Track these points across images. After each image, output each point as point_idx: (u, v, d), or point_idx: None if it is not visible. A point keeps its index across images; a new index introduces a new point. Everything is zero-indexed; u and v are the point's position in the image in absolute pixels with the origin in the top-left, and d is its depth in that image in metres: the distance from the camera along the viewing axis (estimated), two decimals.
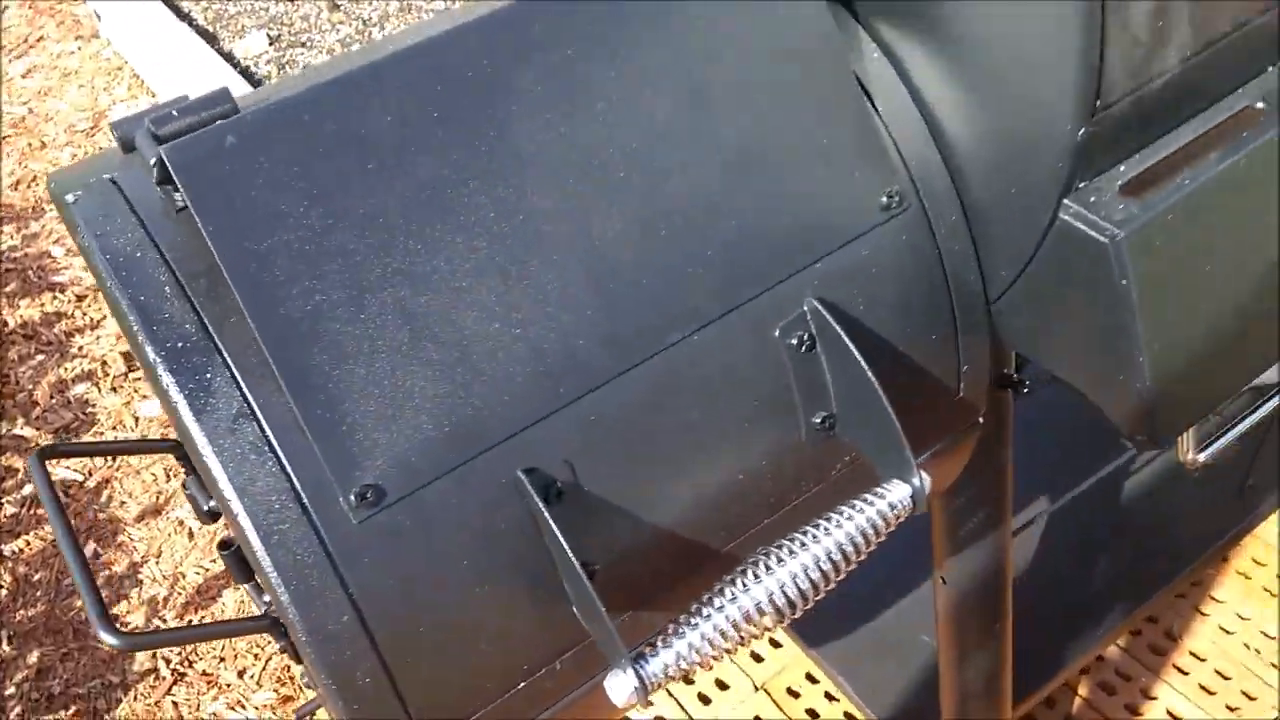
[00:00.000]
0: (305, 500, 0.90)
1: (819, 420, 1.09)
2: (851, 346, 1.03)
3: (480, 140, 0.96)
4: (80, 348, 3.52)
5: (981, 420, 1.28)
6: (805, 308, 1.05)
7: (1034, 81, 1.00)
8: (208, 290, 0.93)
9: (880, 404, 1.02)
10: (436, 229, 0.94)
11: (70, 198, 0.99)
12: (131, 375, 3.41)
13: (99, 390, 3.37)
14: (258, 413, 0.90)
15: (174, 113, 0.99)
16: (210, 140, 0.89)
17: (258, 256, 0.88)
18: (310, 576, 0.90)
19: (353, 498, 0.90)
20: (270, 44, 4.43)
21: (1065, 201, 1.02)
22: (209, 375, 0.91)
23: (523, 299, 0.96)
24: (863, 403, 1.05)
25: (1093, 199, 1.02)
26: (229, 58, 4.36)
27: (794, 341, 1.06)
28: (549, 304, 0.97)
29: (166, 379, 0.90)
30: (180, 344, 0.91)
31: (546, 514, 0.93)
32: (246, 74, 4.25)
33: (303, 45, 4.41)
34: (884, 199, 1.09)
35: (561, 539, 0.92)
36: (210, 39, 4.52)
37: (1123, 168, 1.05)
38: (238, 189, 0.88)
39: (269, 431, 0.90)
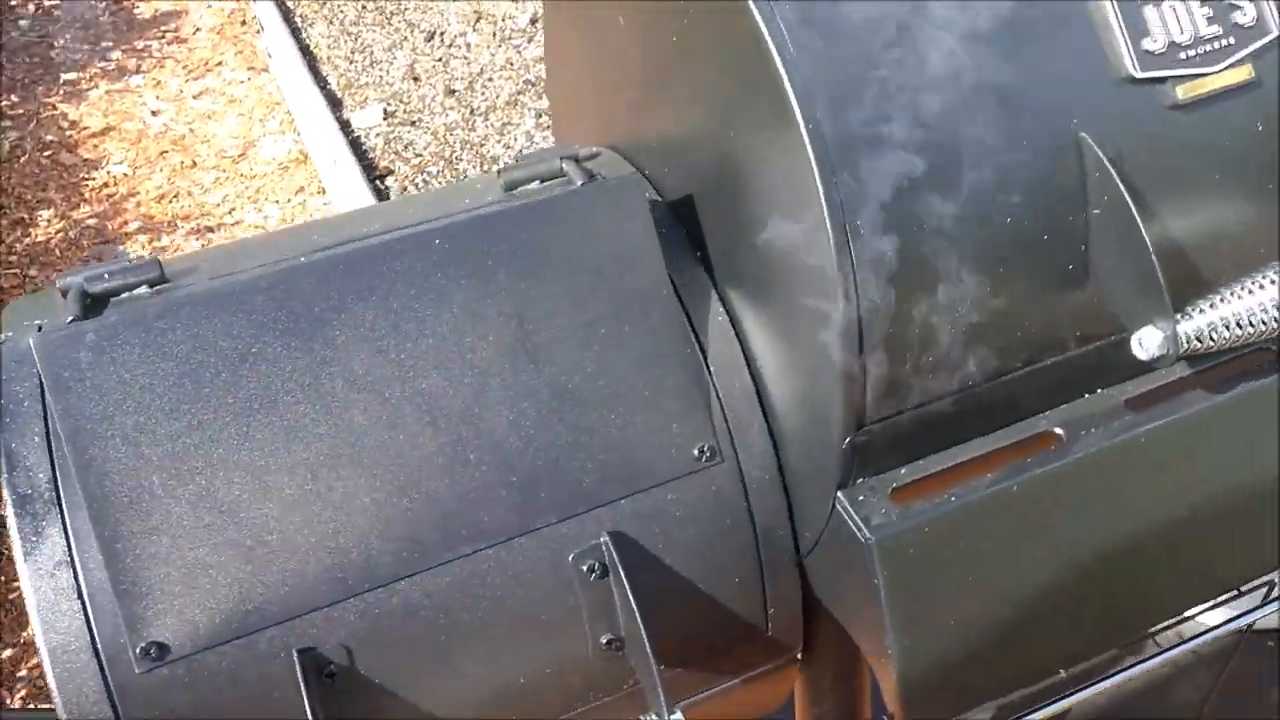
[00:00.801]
0: (99, 646, 1.05)
1: (605, 641, 1.18)
2: (627, 584, 1.12)
3: (315, 360, 1.10)
4: None
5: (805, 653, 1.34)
6: (600, 540, 1.15)
7: (815, 383, 1.08)
8: None
9: (642, 642, 1.11)
10: (261, 430, 1.08)
11: (2, 336, 1.18)
12: None
13: None
14: (76, 564, 1.06)
15: (106, 274, 1.17)
16: (74, 334, 1.05)
17: (94, 435, 1.04)
18: (91, 711, 1.04)
19: (139, 650, 1.04)
20: (384, 118, 4.74)
21: (839, 494, 1.09)
22: (45, 523, 1.07)
23: (328, 497, 1.09)
24: (634, 637, 1.14)
25: (862, 497, 1.10)
26: (345, 125, 4.68)
27: (585, 568, 1.15)
28: (351, 505, 1.10)
29: (11, 520, 1.07)
30: (30, 491, 1.07)
31: (304, 692, 1.05)
32: (356, 144, 4.56)
33: (413, 124, 4.70)
34: (696, 451, 1.18)
35: (309, 715, 1.04)
36: (336, 104, 4.86)
37: (904, 470, 1.11)
38: (89, 378, 1.05)
39: (81, 581, 1.05)
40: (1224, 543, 1.27)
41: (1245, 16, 1.28)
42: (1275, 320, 1.16)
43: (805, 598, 1.27)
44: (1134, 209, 1.10)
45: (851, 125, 1.04)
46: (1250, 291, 1.17)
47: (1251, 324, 1.15)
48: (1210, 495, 1.19)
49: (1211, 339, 1.10)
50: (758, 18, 1.05)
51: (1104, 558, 1.17)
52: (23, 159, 4.87)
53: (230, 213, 4.51)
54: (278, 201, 4.53)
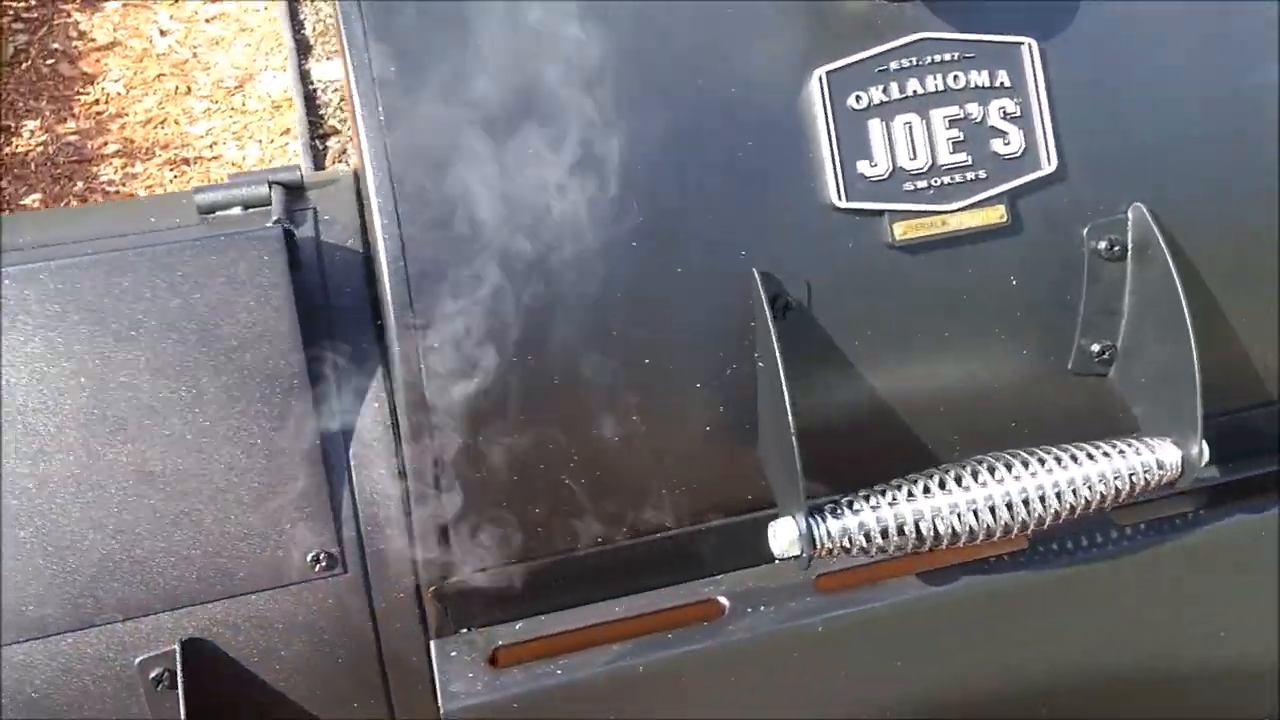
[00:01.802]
0: None
1: None
2: (183, 701, 0.97)
3: None
4: None
5: None
6: (172, 647, 0.99)
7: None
8: None
9: None
10: None
11: None
12: None
13: None
14: None
15: None
16: None
17: None
18: None
19: None
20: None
21: (432, 645, 0.92)
22: None
23: None
24: None
25: (455, 653, 0.92)
26: (305, 75, 4.52)
27: (153, 676, 1.00)
28: None
29: None
30: None
31: None
32: (311, 97, 4.41)
33: None
34: (310, 558, 1.02)
35: None
36: (305, 50, 4.69)
37: (519, 626, 0.94)
38: None
39: None
40: None
41: (1007, 145, 1.06)
42: (946, 529, 0.94)
43: None
44: (784, 377, 0.91)
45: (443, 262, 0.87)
46: (927, 492, 0.96)
47: (913, 533, 0.94)
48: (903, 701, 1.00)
49: (863, 543, 0.90)
50: None
51: None
52: (25, 65, 4.80)
53: (211, 147, 4.40)
54: (260, 141, 4.41)
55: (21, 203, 4.06)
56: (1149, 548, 1.15)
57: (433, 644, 0.94)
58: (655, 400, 0.98)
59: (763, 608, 0.97)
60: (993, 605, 1.08)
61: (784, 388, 0.90)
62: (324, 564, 1.03)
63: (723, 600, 0.97)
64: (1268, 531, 1.18)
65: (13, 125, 4.61)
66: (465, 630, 0.94)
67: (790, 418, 0.89)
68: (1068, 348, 1.14)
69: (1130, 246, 1.13)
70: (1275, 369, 1.19)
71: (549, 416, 0.95)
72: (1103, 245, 1.12)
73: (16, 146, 4.49)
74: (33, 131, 4.58)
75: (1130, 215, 1.13)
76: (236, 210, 1.16)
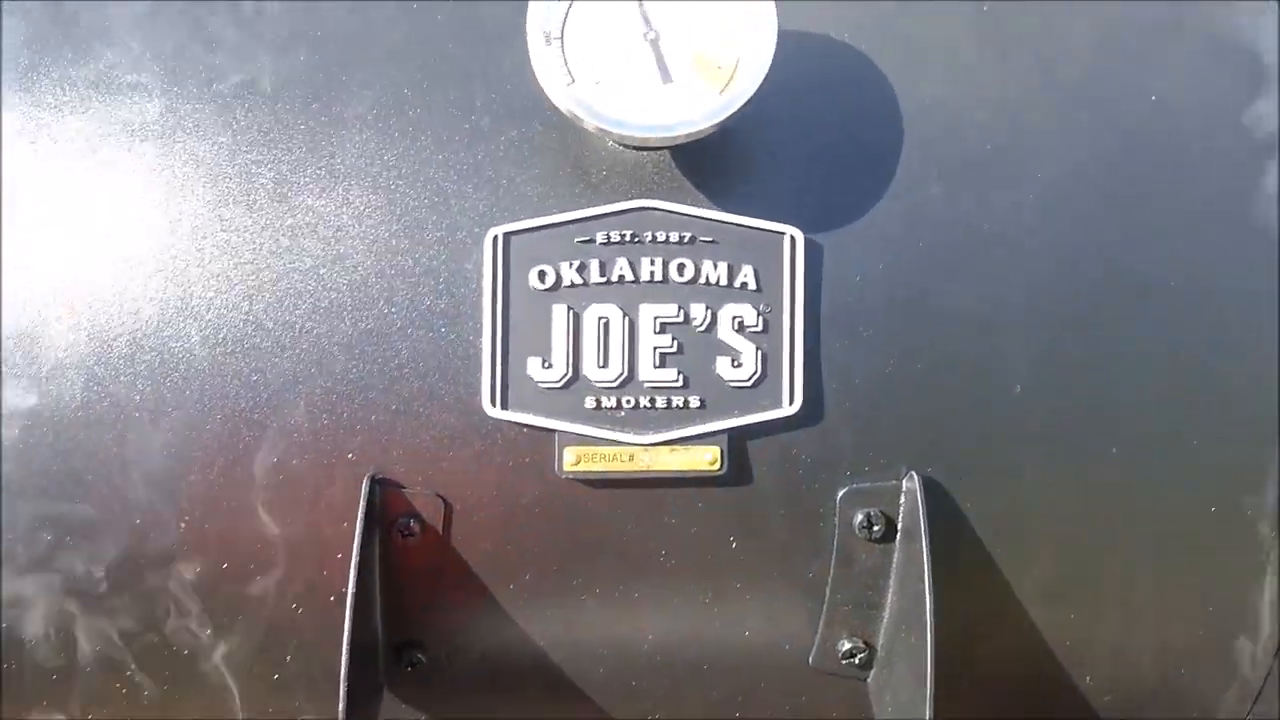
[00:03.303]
0: None
1: None
2: None
3: None
4: None
5: None
6: None
7: None
8: None
9: None
10: None
11: None
12: None
13: None
14: None
15: None
16: None
17: None
18: None
19: None
20: None
21: None
22: None
23: None
24: None
25: None
26: None
27: None
28: None
29: None
30: None
31: None
32: None
33: None
34: None
35: None
36: None
37: None
38: None
39: None
40: None
41: (737, 368, 0.83)
42: None
43: None
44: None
45: None
46: None
47: None
48: None
49: None
50: None
51: None
52: None
53: None
54: None
55: None
56: None
57: None
58: None
59: None
60: None
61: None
62: None
63: None
64: None
65: None
66: None
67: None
68: (807, 637, 0.85)
69: (899, 526, 0.83)
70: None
71: None
72: (859, 519, 0.83)
73: None
74: None
75: (903, 485, 0.83)
76: None
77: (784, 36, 0.80)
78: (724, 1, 0.79)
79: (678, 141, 0.78)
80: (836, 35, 0.86)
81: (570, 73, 0.78)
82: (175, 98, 0.85)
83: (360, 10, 0.86)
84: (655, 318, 0.82)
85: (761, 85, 0.78)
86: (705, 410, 0.82)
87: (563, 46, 0.79)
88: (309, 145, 0.84)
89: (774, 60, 0.79)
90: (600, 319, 0.81)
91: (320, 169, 0.84)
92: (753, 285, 0.82)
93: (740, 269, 0.82)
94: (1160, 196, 0.86)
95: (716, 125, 0.77)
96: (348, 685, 0.77)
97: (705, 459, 0.82)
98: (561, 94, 0.78)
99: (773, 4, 0.79)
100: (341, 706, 0.77)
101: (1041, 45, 0.87)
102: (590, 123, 0.78)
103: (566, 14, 0.79)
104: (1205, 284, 0.86)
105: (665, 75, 0.78)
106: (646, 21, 0.78)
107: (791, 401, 0.82)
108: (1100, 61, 0.87)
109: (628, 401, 0.82)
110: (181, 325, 0.82)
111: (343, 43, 0.86)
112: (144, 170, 0.84)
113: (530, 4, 0.79)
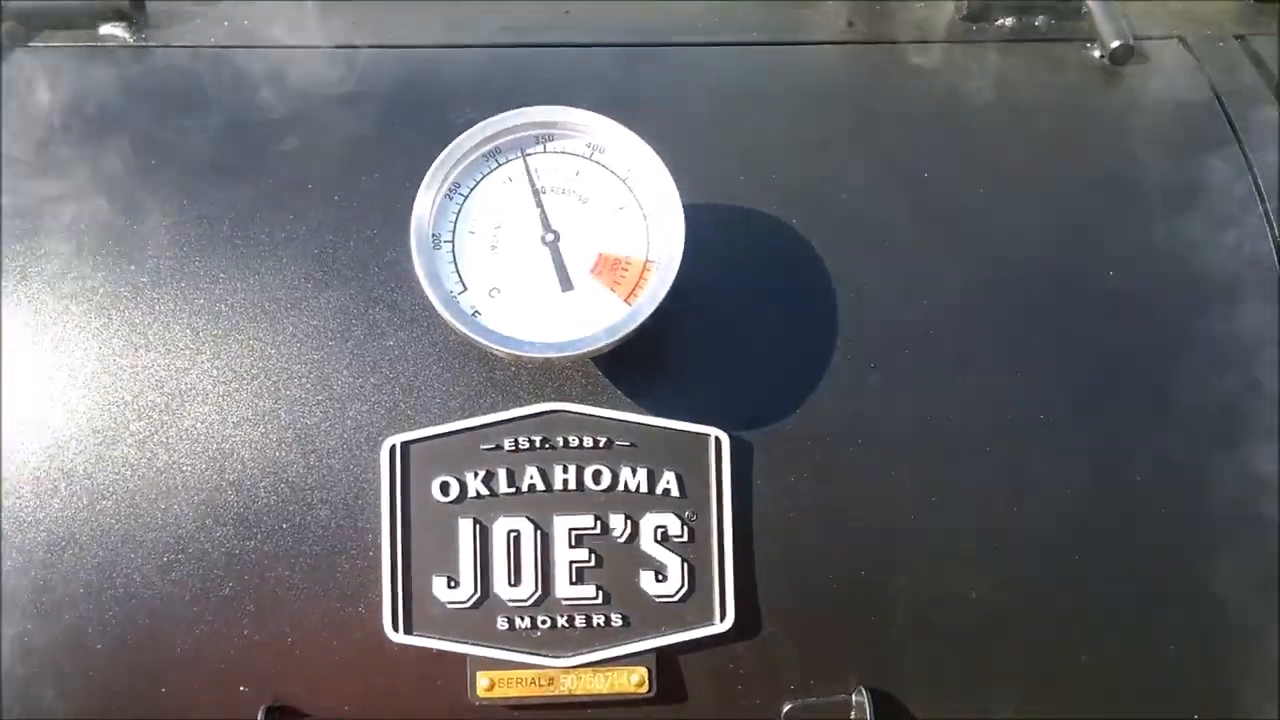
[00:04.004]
0: None
1: None
2: None
3: None
4: None
5: None
6: None
7: None
8: None
9: None
10: None
11: None
12: None
13: None
14: None
15: None
16: None
17: None
18: None
19: None
20: None
21: None
22: None
23: None
24: None
25: None
26: None
27: None
28: None
29: None
30: None
31: None
32: None
33: None
34: None
35: None
36: None
37: None
38: None
39: None
40: None
41: (661, 583, 0.78)
42: None
43: None
44: None
45: None
46: None
47: None
48: None
49: None
50: None
51: None
52: None
53: None
54: None
55: None
56: None
57: None
58: None
59: None
60: None
61: None
62: None
63: None
64: None
65: None
66: None
67: None
68: None
69: None
70: None
71: None
72: None
73: None
74: None
75: (853, 700, 0.77)
76: None
77: (700, 213, 0.73)
78: (629, 198, 0.72)
79: (580, 357, 0.72)
80: (763, 211, 0.79)
81: (462, 280, 0.71)
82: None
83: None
84: (570, 530, 0.75)
85: (670, 290, 0.71)
86: (629, 629, 0.75)
87: (454, 250, 0.72)
88: (193, 344, 0.78)
89: (687, 255, 0.72)
90: (510, 532, 0.75)
91: (203, 372, 0.77)
92: (676, 492, 0.75)
93: (662, 475, 0.75)
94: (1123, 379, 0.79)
95: (620, 340, 0.70)
96: None
97: (632, 680, 0.76)
98: (449, 305, 0.71)
99: (679, 202, 0.72)
100: None
101: (988, 223, 0.79)
102: (480, 341, 0.71)
103: (459, 212, 0.72)
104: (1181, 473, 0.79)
105: (566, 282, 0.71)
106: (544, 222, 0.72)
107: (723, 618, 0.75)
108: (1050, 241, 0.80)
109: (543, 621, 0.75)
110: (59, 551, 0.76)
111: (231, 229, 0.80)
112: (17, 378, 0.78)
113: (417, 198, 0.73)
